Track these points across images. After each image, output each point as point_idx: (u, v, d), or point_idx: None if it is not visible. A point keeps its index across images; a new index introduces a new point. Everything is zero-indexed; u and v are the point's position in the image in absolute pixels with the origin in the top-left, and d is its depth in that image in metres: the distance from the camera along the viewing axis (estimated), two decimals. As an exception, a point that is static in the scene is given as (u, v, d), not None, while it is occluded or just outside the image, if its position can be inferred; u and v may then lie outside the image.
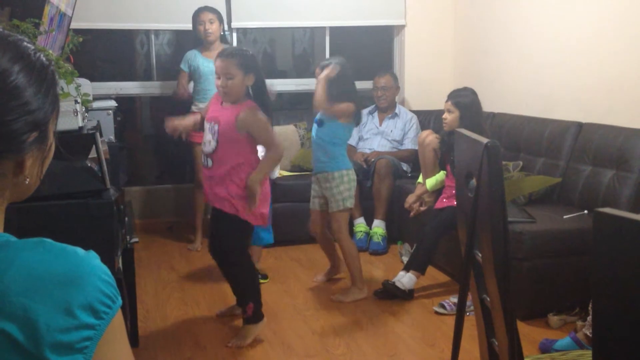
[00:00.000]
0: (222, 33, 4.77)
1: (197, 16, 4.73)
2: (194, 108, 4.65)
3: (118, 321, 0.91)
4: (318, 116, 3.75)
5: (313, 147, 3.81)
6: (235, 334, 3.28)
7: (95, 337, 0.87)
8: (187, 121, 3.36)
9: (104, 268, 0.91)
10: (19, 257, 0.86)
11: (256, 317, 3.23)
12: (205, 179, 3.26)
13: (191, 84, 4.80)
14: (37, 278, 0.84)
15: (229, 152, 3.10)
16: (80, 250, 0.91)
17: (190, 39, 4.91)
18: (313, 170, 3.84)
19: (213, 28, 4.69)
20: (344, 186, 3.70)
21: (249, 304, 3.20)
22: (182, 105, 4.72)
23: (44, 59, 0.96)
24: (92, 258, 0.91)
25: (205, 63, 4.65)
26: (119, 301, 0.91)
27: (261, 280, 3.85)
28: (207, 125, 3.20)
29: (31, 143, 0.92)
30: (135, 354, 1.10)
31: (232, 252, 3.21)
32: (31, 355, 0.82)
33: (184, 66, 4.78)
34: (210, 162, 3.15)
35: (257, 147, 3.21)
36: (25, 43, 0.94)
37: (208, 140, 3.16)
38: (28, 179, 0.95)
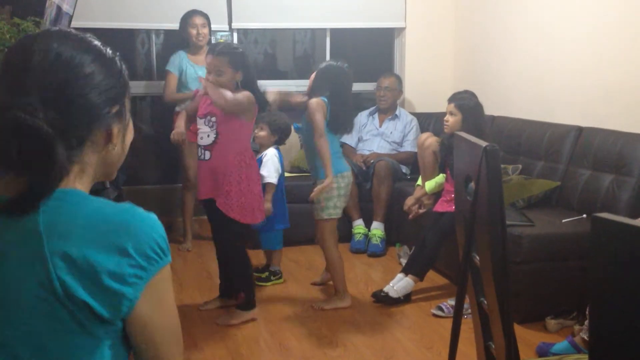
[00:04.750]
0: (209, 37, 4.80)
1: (188, 19, 4.73)
2: (177, 109, 4.66)
3: (167, 275, 1.08)
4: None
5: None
6: (231, 331, 3.29)
7: (145, 277, 1.04)
8: (180, 127, 3.59)
9: (161, 228, 1.08)
10: (87, 202, 1.05)
11: (247, 305, 3.46)
12: (202, 172, 3.40)
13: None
14: (98, 219, 1.03)
15: (230, 140, 3.29)
16: (147, 212, 1.09)
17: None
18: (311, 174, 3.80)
19: (205, 32, 4.71)
20: (334, 193, 3.54)
21: (241, 292, 3.46)
22: (172, 106, 4.76)
23: (110, 51, 1.17)
24: (151, 216, 1.08)
25: (192, 69, 4.67)
26: (169, 258, 1.07)
27: (277, 281, 4.07)
28: (201, 120, 3.36)
29: (113, 116, 1.11)
30: (132, 354, 1.12)
31: (226, 244, 3.44)
32: (84, 274, 0.99)
33: (172, 69, 4.76)
34: (208, 155, 3.33)
35: (249, 134, 3.43)
36: (93, 40, 1.15)
37: (205, 134, 3.34)
38: (116, 147, 1.14)
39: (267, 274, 4.09)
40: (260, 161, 4.00)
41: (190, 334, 3.35)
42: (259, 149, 4.12)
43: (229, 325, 3.40)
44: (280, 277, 4.11)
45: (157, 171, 5.87)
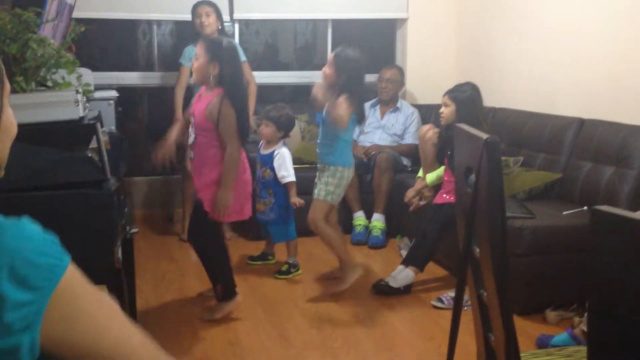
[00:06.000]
0: (219, 27, 4.75)
1: (195, 9, 4.72)
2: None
3: (69, 280, 0.83)
4: (318, 114, 3.77)
5: (318, 139, 3.81)
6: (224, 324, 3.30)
7: (39, 311, 0.80)
8: (169, 146, 3.47)
9: (36, 234, 0.83)
10: None
11: (225, 296, 3.41)
12: (192, 169, 3.47)
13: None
14: None
15: (204, 142, 3.28)
16: (4, 224, 0.82)
17: (191, 31, 4.90)
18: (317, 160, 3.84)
19: (209, 21, 4.67)
20: (332, 179, 3.67)
21: (217, 285, 3.40)
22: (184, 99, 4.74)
23: None
24: (18, 228, 0.82)
25: None
26: (62, 262, 0.83)
27: (297, 272, 4.09)
28: (190, 119, 3.39)
29: None
30: None
31: (200, 240, 3.42)
32: None
33: (184, 61, 4.75)
34: (192, 154, 3.37)
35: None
36: None
37: (190, 133, 3.38)
38: None
39: (286, 266, 4.12)
40: (268, 157, 4.08)
41: (191, 324, 3.36)
42: (265, 144, 4.14)
43: (214, 320, 3.36)
44: (298, 269, 4.13)
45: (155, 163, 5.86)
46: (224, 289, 3.40)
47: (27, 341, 0.79)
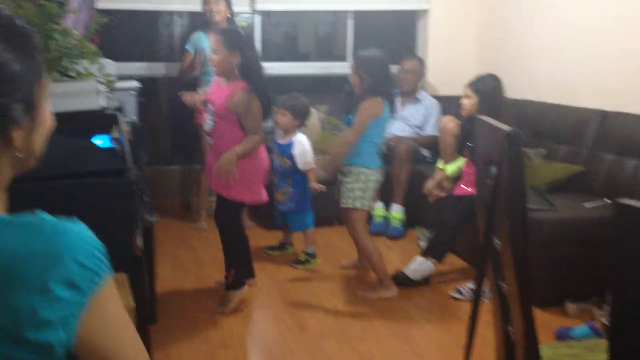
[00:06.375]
0: (229, 16, 4.76)
1: None
2: (199, 91, 4.68)
3: (107, 292, 0.88)
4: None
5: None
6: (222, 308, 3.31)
7: (77, 312, 0.85)
8: (200, 96, 3.71)
9: (89, 239, 0.88)
10: (0, 237, 0.84)
11: (236, 283, 3.40)
12: (209, 156, 3.52)
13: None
14: (16, 259, 0.82)
15: (223, 130, 3.30)
16: (64, 224, 0.87)
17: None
18: None
19: (219, 8, 4.69)
20: (357, 185, 3.55)
21: (232, 270, 3.38)
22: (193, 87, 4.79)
23: (21, 23, 0.92)
24: (75, 230, 0.87)
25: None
26: (106, 273, 0.88)
27: (315, 261, 4.11)
28: (208, 106, 3.43)
29: (16, 116, 0.88)
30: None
31: (223, 223, 3.42)
32: (6, 333, 0.81)
33: (189, 47, 4.81)
34: (210, 140, 3.47)
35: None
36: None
37: (208, 120, 3.42)
38: (21, 153, 0.92)
39: (304, 256, 4.13)
40: (286, 146, 4.09)
41: (209, 311, 3.39)
42: (282, 134, 4.15)
43: (224, 313, 3.36)
44: (316, 258, 4.15)
45: (177, 152, 5.90)
46: (236, 276, 3.40)
47: (63, 338, 0.83)
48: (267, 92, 3.32)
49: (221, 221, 3.44)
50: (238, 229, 3.48)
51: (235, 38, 3.25)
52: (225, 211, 3.41)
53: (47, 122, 0.97)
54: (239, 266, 3.44)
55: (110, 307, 0.89)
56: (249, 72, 3.24)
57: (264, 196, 3.45)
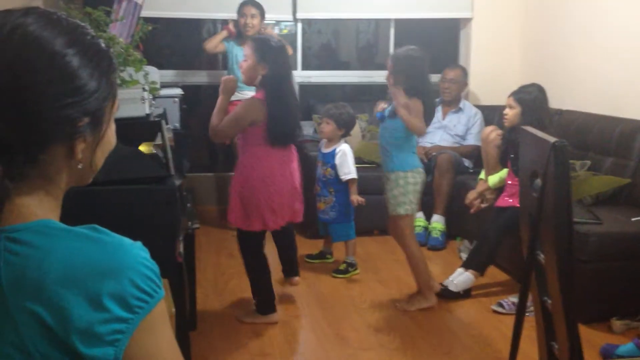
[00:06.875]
0: (262, 30, 4.83)
1: (241, 8, 4.83)
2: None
3: (157, 314, 0.89)
4: (380, 112, 3.59)
5: (379, 145, 3.71)
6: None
7: (128, 331, 0.86)
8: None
9: (145, 261, 0.90)
10: (59, 245, 0.86)
11: (261, 310, 3.37)
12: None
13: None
14: (74, 267, 0.85)
15: (241, 143, 3.32)
16: (124, 241, 0.90)
17: None
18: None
19: (254, 22, 4.76)
20: (398, 190, 3.48)
21: (255, 297, 3.38)
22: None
23: (101, 44, 0.95)
24: (133, 250, 0.89)
25: (241, 53, 4.71)
26: (158, 295, 0.89)
27: (354, 272, 4.08)
28: None
29: (82, 128, 0.91)
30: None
31: (242, 251, 3.39)
32: (59, 341, 0.83)
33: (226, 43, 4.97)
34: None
35: (262, 139, 3.20)
36: (82, 28, 0.94)
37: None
38: (81, 165, 0.94)
39: (344, 265, 4.11)
40: (329, 155, 4.08)
41: (251, 322, 3.39)
42: (326, 143, 4.16)
43: (242, 322, 3.35)
44: (356, 269, 4.13)
45: (216, 159, 5.97)
46: (259, 303, 3.37)
47: (110, 356, 0.85)
48: (284, 112, 3.19)
49: (241, 249, 3.40)
50: (255, 256, 3.36)
51: (266, 49, 3.20)
52: (240, 240, 3.38)
53: (111, 140, 1.01)
54: (262, 293, 3.37)
55: (158, 330, 0.90)
56: (269, 84, 3.18)
57: (298, 216, 3.43)
